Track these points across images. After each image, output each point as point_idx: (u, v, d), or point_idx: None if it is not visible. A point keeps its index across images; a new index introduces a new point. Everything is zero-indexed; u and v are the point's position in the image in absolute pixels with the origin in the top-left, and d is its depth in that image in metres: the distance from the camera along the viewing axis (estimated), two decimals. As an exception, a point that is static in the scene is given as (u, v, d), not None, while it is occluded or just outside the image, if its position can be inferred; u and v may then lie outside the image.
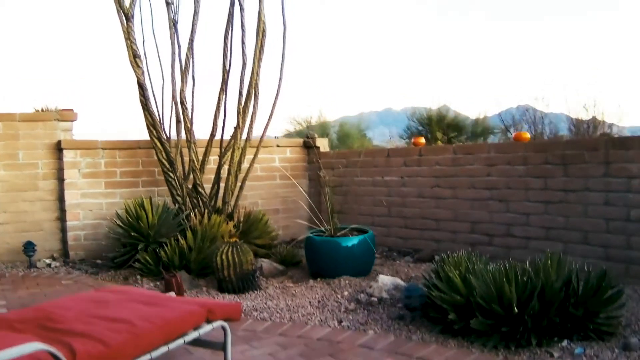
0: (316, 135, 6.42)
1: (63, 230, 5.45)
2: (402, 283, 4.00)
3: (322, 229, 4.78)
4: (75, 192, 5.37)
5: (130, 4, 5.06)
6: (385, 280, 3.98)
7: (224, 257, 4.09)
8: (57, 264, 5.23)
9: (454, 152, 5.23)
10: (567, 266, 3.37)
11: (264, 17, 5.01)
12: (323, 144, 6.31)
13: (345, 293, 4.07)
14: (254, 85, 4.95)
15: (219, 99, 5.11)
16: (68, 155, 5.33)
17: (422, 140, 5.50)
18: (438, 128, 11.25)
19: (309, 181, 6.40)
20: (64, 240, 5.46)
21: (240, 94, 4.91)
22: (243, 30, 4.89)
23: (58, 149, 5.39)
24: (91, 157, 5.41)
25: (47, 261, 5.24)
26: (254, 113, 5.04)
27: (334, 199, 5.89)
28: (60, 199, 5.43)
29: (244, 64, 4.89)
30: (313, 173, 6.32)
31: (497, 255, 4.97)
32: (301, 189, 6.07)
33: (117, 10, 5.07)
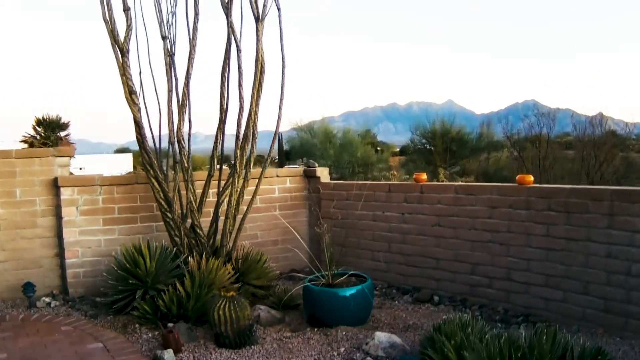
0: (316, 165, 6.35)
1: (62, 266, 5.45)
2: (398, 341, 3.96)
3: (320, 274, 4.74)
4: (74, 229, 5.34)
5: (125, 39, 4.97)
6: (382, 338, 3.95)
7: (220, 312, 4.07)
8: (57, 302, 5.23)
9: (455, 191, 5.16)
10: (563, 338, 3.34)
11: (262, 54, 4.90)
12: (323, 174, 6.23)
13: (342, 349, 4.04)
14: (251, 125, 4.87)
15: (216, 139, 5.05)
16: (65, 193, 5.30)
17: (424, 176, 5.42)
18: (441, 142, 11.17)
19: (308, 211, 6.34)
20: (63, 277, 5.46)
21: (237, 137, 4.84)
22: (240, 72, 4.79)
23: (55, 185, 5.35)
24: (89, 193, 5.37)
25: (47, 300, 5.23)
26: (252, 153, 4.98)
27: (334, 231, 5.86)
28: (59, 235, 5.41)
29: (241, 107, 4.79)
30: (313, 203, 6.26)
31: (496, 298, 4.94)
32: (291, 227, 5.99)
33: (112, 45, 4.99)
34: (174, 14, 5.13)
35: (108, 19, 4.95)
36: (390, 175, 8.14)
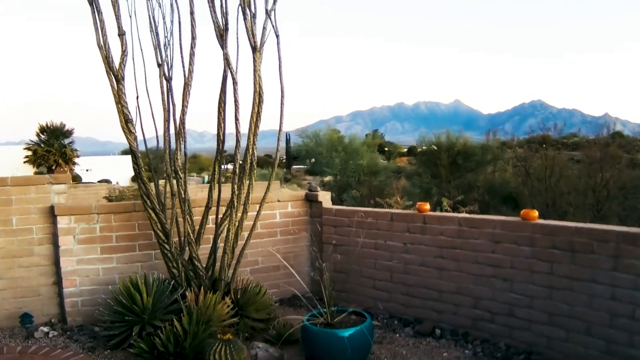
0: (319, 189, 6.25)
1: (60, 295, 5.40)
2: (397, 387, 3.90)
3: (318, 312, 4.67)
4: (71, 258, 5.29)
5: (120, 65, 4.84)
6: (381, 385, 3.89)
7: (216, 356, 4.00)
8: (55, 332, 5.18)
9: (459, 223, 5.06)
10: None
11: (260, 82, 4.76)
12: (325, 199, 6.11)
13: (340, 394, 3.98)
14: (249, 158, 4.77)
15: (214, 170, 4.96)
16: (62, 222, 5.23)
17: (427, 206, 5.30)
18: (447, 155, 11.05)
19: (310, 235, 6.26)
20: (61, 305, 5.41)
21: (235, 172, 4.74)
22: (237, 105, 4.66)
23: (52, 214, 5.28)
24: (86, 222, 5.30)
25: (45, 329, 5.19)
26: (250, 185, 4.88)
27: (335, 257, 5.80)
28: (57, 263, 5.35)
29: (238, 141, 4.69)
30: (315, 227, 6.18)
31: (498, 333, 4.86)
32: (293, 252, 5.95)
33: (107, 72, 4.86)
34: (171, 35, 5.00)
35: (102, 45, 4.80)
36: (393, 202, 8.06)
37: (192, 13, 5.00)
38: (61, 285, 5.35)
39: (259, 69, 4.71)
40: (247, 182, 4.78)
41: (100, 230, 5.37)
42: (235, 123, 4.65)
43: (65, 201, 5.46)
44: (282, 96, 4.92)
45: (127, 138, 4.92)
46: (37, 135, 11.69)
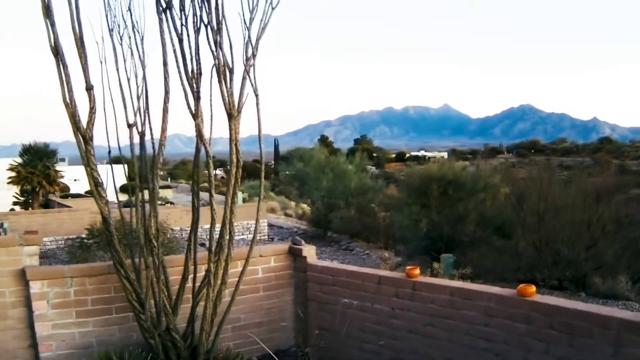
0: (303, 242, 5.99)
1: (37, 358, 5.15)
2: None
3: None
4: (46, 323, 5.05)
5: (88, 124, 4.43)
6: None
7: None
8: (31, 399, 4.95)
9: (451, 293, 4.80)
10: None
11: (238, 146, 4.46)
12: (310, 254, 5.82)
13: None
14: (226, 235, 4.48)
15: (190, 239, 4.68)
16: (35, 287, 4.97)
17: (417, 271, 5.06)
18: (437, 186, 10.83)
19: (294, 289, 6.00)
20: (38, 368, 5.16)
21: (210, 250, 4.45)
22: (210, 181, 4.33)
23: (24, 277, 5.01)
24: (59, 286, 5.05)
25: (21, 396, 4.95)
26: (229, 255, 4.59)
27: (321, 315, 5.57)
28: (31, 326, 5.11)
29: (213, 219, 4.36)
30: (300, 281, 5.92)
31: (491, 408, 4.64)
32: (277, 307, 5.72)
33: (74, 132, 4.49)
34: (142, 81, 4.68)
35: (69, 102, 4.34)
36: (383, 257, 7.83)
37: (165, 64, 4.63)
38: (37, 348, 5.11)
39: (236, 137, 4.40)
40: (225, 257, 4.48)
41: (74, 294, 5.12)
42: (210, 199, 4.35)
43: (38, 263, 5.21)
44: (261, 162, 4.65)
45: (97, 203, 4.60)
46: (20, 155, 11.42)
